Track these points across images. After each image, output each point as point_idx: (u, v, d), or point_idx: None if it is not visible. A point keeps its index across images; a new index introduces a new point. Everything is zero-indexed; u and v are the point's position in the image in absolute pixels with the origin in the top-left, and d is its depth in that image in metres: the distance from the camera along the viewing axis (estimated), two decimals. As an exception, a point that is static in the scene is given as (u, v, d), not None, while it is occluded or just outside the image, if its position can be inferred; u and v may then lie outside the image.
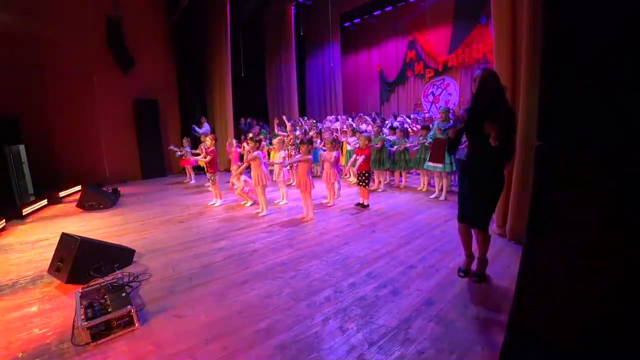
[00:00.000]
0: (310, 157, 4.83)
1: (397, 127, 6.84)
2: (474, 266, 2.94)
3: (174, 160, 9.61)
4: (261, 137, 6.52)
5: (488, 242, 2.77)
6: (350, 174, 7.71)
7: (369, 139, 5.59)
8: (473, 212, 2.70)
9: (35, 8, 7.27)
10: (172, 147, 8.47)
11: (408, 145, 6.28)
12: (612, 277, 0.99)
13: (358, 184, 5.43)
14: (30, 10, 7.21)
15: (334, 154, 5.26)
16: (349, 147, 6.97)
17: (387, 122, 8.43)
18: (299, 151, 5.67)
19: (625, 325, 0.98)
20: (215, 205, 5.86)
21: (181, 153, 8.23)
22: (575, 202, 1.05)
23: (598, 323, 1.02)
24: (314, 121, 9.77)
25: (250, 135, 6.04)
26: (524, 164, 3.35)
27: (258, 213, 5.16)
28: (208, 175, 5.93)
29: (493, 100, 2.40)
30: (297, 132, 7.69)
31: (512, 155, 2.70)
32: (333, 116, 10.77)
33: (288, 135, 7.21)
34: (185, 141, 8.38)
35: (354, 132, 7.18)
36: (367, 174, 5.34)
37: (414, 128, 6.85)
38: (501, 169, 2.59)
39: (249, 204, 5.69)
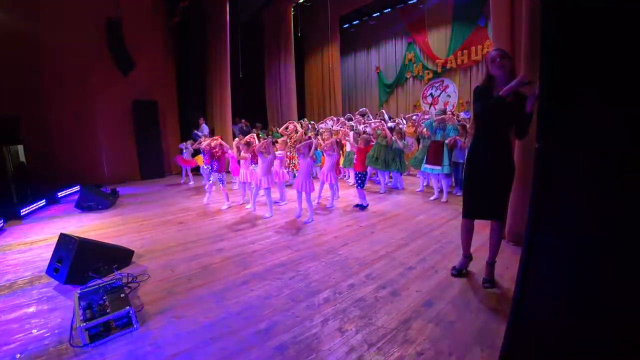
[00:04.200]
0: (313, 155, 4.83)
1: (392, 128, 6.87)
2: (472, 268, 2.96)
3: (172, 161, 9.62)
4: (262, 138, 6.52)
5: (501, 236, 2.77)
6: (347, 175, 7.75)
7: (368, 141, 5.60)
8: (493, 204, 2.66)
9: (36, 9, 7.26)
10: (182, 145, 8.60)
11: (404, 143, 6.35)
12: (613, 279, 0.99)
13: (356, 185, 5.41)
14: (30, 11, 7.19)
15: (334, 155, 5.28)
16: (348, 148, 6.96)
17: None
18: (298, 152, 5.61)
19: (627, 327, 0.98)
20: (224, 207, 5.67)
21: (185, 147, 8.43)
22: (575, 203, 1.05)
23: (599, 325, 1.02)
24: (311, 122, 9.74)
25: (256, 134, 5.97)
26: (523, 166, 3.35)
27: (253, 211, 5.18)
28: (220, 174, 5.66)
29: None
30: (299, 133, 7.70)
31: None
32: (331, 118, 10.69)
33: (290, 136, 7.19)
34: (189, 142, 8.48)
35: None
36: (362, 175, 5.33)
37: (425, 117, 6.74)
38: (512, 156, 2.67)
39: (248, 206, 5.68)
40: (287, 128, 7.16)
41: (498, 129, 2.58)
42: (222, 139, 6.20)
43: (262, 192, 5.16)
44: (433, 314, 2.36)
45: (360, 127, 7.64)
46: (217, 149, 5.77)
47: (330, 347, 2.04)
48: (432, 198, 5.71)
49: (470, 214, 2.78)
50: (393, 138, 6.21)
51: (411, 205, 5.46)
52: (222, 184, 5.67)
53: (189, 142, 8.42)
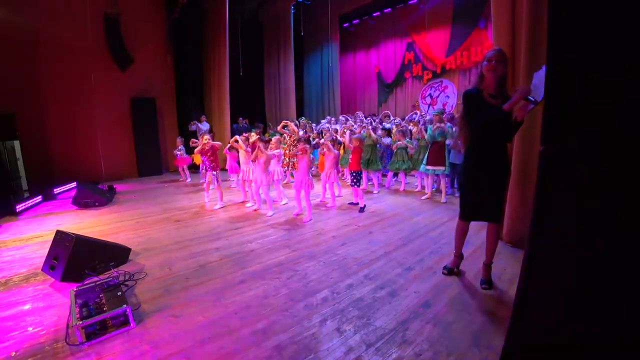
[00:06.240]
0: (311, 155, 4.84)
1: (391, 128, 6.92)
2: (470, 270, 2.96)
3: (170, 159, 9.58)
4: (268, 137, 6.49)
5: (498, 237, 2.81)
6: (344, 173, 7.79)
7: (361, 140, 5.62)
8: (493, 207, 2.69)
9: (33, 4, 7.20)
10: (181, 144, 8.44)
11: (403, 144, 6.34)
12: (615, 281, 0.99)
13: (351, 184, 5.45)
14: (28, 6, 7.13)
15: (335, 152, 5.30)
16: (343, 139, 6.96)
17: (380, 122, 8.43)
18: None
19: (629, 329, 0.98)
20: (217, 207, 5.58)
21: (179, 151, 8.32)
22: (579, 206, 1.05)
23: (601, 328, 1.02)
24: (309, 122, 9.72)
25: (257, 134, 5.99)
26: (523, 168, 3.35)
27: (256, 210, 5.21)
28: (214, 173, 5.55)
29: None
30: (301, 133, 7.69)
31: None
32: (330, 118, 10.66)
33: (291, 135, 7.15)
34: (179, 141, 8.41)
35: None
36: (357, 174, 5.37)
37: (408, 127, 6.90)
38: (508, 159, 2.75)
39: (248, 204, 5.65)
40: (285, 127, 7.13)
41: (496, 137, 2.58)
42: (214, 137, 6.24)
43: (261, 190, 5.18)
44: (431, 315, 2.36)
45: (355, 127, 7.63)
46: (208, 149, 5.76)
47: (329, 348, 2.03)
48: (424, 197, 5.78)
49: (469, 217, 2.78)
50: (376, 137, 6.47)
51: (409, 205, 5.46)
52: (217, 182, 5.60)
53: (181, 147, 8.35)
